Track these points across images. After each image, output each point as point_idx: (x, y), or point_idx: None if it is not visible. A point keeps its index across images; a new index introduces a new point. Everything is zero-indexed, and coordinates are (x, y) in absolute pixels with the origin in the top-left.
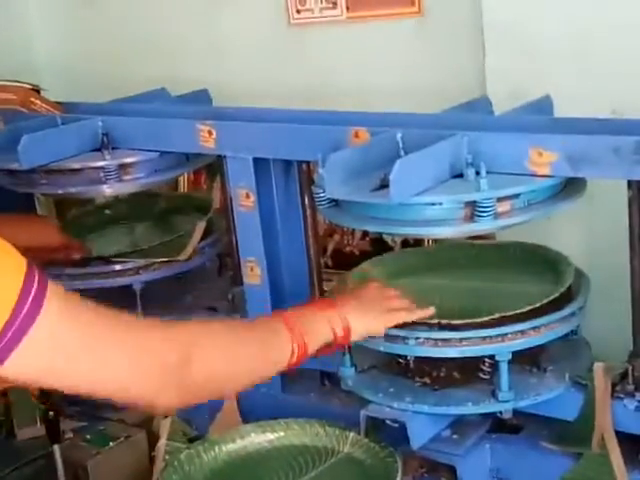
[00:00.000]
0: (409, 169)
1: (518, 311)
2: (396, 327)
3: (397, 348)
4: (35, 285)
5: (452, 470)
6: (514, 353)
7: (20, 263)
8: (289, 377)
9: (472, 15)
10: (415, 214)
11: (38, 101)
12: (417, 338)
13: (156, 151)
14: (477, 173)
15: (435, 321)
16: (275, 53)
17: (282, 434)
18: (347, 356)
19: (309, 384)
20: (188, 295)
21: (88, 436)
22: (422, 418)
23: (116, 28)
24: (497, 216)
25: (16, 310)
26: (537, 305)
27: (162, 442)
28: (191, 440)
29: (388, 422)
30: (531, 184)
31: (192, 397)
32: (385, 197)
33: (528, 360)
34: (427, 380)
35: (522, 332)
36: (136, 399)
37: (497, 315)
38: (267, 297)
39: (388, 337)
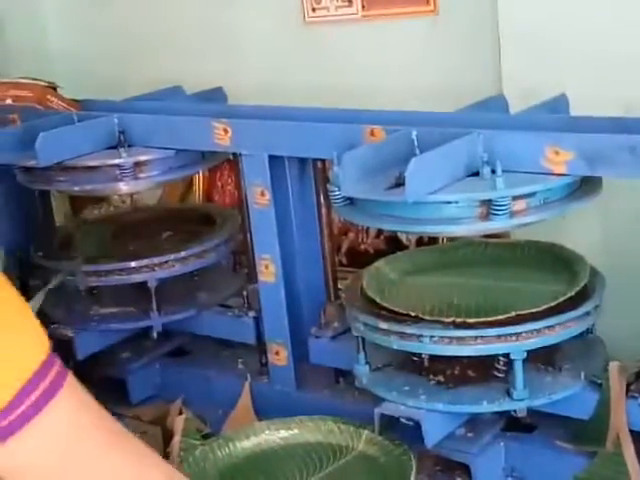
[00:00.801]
0: (424, 167)
1: (533, 310)
2: (411, 325)
3: (411, 346)
4: (56, 368)
5: (466, 468)
6: (529, 352)
7: (43, 345)
8: (303, 374)
9: (488, 14)
10: (430, 212)
11: (54, 98)
12: (432, 336)
13: (172, 149)
14: (493, 171)
15: (450, 319)
16: (290, 51)
17: (296, 431)
18: (361, 354)
19: (323, 381)
20: (203, 292)
21: None
22: (436, 416)
23: (132, 26)
24: (512, 215)
25: (22, 393)
26: (552, 304)
27: (177, 439)
28: (205, 437)
29: (402, 420)
30: (547, 183)
31: None
32: (400, 195)
33: (543, 359)
34: (441, 378)
35: (537, 331)
36: None
37: (512, 313)
38: (282, 295)
39: (402, 335)
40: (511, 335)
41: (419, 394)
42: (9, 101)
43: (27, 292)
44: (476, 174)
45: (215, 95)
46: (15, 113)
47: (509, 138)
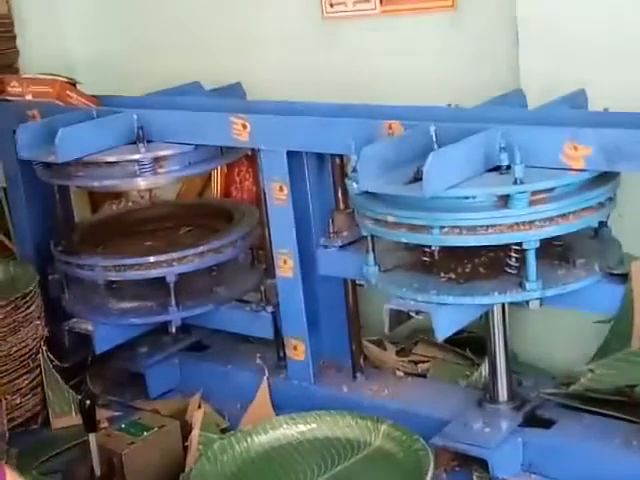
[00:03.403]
0: (443, 162)
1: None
2: (421, 216)
3: (420, 238)
4: None
5: (484, 464)
6: (543, 249)
7: None
8: (321, 369)
9: (506, 9)
10: (448, 207)
11: (74, 94)
12: (442, 227)
13: (190, 144)
14: (509, 167)
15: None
16: (308, 47)
17: (314, 426)
18: (371, 254)
19: (341, 377)
20: (221, 287)
21: (123, 425)
22: (447, 309)
23: (151, 22)
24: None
25: None
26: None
27: (195, 433)
28: (223, 431)
29: (412, 314)
30: (565, 178)
31: None
32: (418, 190)
33: (557, 256)
34: (452, 275)
35: (550, 219)
36: None
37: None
38: (299, 290)
39: (412, 227)
40: (524, 223)
41: (429, 289)
42: (29, 97)
43: (47, 286)
44: (494, 169)
45: (233, 91)
46: (35, 109)
47: (527, 133)
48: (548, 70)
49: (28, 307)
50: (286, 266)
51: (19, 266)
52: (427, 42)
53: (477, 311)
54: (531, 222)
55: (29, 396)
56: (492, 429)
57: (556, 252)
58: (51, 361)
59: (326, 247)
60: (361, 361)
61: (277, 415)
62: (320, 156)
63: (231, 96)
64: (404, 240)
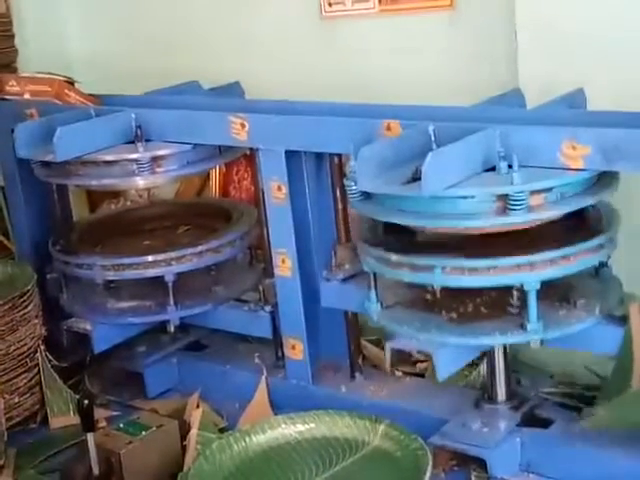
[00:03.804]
0: (441, 162)
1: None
2: (423, 256)
3: (424, 278)
4: None
5: (482, 463)
6: (544, 289)
7: None
8: (319, 369)
9: (504, 9)
10: (447, 207)
11: (72, 93)
12: (444, 267)
13: (189, 143)
14: (510, 166)
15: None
16: (307, 46)
17: (312, 425)
18: (373, 291)
19: (339, 377)
20: (219, 287)
21: (121, 425)
22: (448, 349)
23: (149, 21)
24: (530, 209)
25: None
26: (567, 236)
27: (194, 432)
28: (222, 430)
29: (414, 354)
30: (565, 177)
31: None
32: (417, 190)
33: (558, 296)
34: (454, 314)
35: (551, 261)
36: None
37: (526, 242)
38: (298, 289)
39: (414, 267)
40: (525, 265)
41: (431, 328)
42: (27, 95)
43: (45, 285)
44: (493, 169)
45: (232, 90)
46: (33, 107)
47: (526, 133)
48: (546, 70)
49: (26, 306)
50: (284, 265)
51: (17, 265)
52: (426, 42)
53: (478, 351)
54: (532, 264)
55: (27, 395)
56: (490, 429)
57: (557, 291)
58: (49, 360)
59: (328, 280)
60: (359, 361)
61: (275, 415)
62: (319, 155)
63: (230, 95)
64: (406, 279)
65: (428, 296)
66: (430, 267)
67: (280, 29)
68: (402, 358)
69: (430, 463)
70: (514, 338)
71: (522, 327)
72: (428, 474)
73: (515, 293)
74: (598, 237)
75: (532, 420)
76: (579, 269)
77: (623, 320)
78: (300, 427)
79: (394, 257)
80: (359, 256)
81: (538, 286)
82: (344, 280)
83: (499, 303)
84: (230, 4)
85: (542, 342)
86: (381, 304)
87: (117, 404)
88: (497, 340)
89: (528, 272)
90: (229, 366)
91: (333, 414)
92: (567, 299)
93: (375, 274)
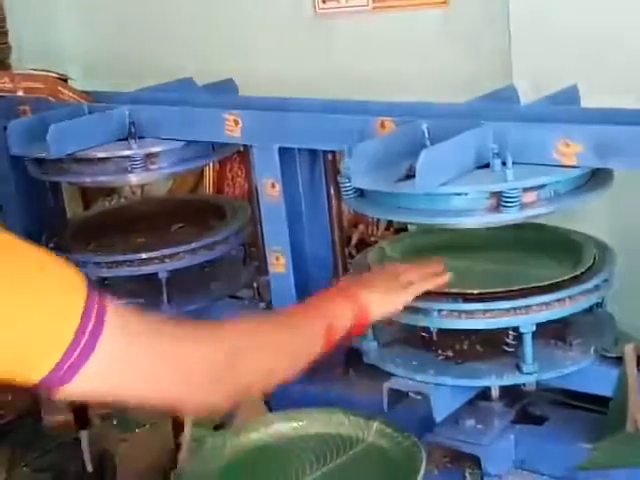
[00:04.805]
0: (435, 159)
1: (542, 283)
2: (419, 299)
3: (420, 320)
4: (96, 305)
5: (476, 460)
6: (539, 328)
7: (80, 282)
8: (313, 366)
9: (498, 5)
10: (440, 204)
11: (66, 90)
12: (440, 310)
13: (182, 140)
14: (503, 163)
15: (458, 292)
16: (301, 43)
17: (306, 423)
18: (369, 330)
19: (333, 373)
20: (213, 284)
21: (115, 422)
22: (445, 390)
23: (142, 18)
24: (523, 207)
25: (79, 330)
26: (562, 278)
27: (187, 429)
28: (216, 428)
29: (411, 394)
30: (557, 174)
31: (241, 395)
32: (411, 187)
33: (553, 334)
34: (450, 353)
35: (546, 304)
36: (187, 406)
37: (522, 286)
38: (292, 286)
39: (410, 309)
40: (521, 308)
41: (427, 369)
42: (20, 93)
43: None
44: (486, 166)
45: (226, 86)
46: (26, 104)
47: (519, 130)
48: (540, 66)
49: None
50: (278, 263)
51: None
52: (419, 38)
53: (473, 392)
54: (527, 307)
55: (20, 392)
56: (484, 426)
57: (552, 329)
58: None
59: None
60: (353, 357)
61: (269, 412)
62: (312, 152)
63: (223, 92)
64: (404, 321)
65: (424, 333)
66: (427, 310)
67: (274, 26)
68: (399, 398)
69: (424, 460)
70: (510, 380)
71: (518, 368)
72: (422, 471)
73: (511, 331)
74: (595, 279)
75: (526, 417)
76: (574, 311)
77: (618, 361)
78: (294, 424)
79: None
80: None
81: (534, 328)
82: None
83: (495, 341)
84: (224, 1)
85: (537, 383)
86: (378, 341)
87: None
88: (493, 382)
89: (523, 315)
90: None
91: (326, 411)
92: (562, 338)
93: None
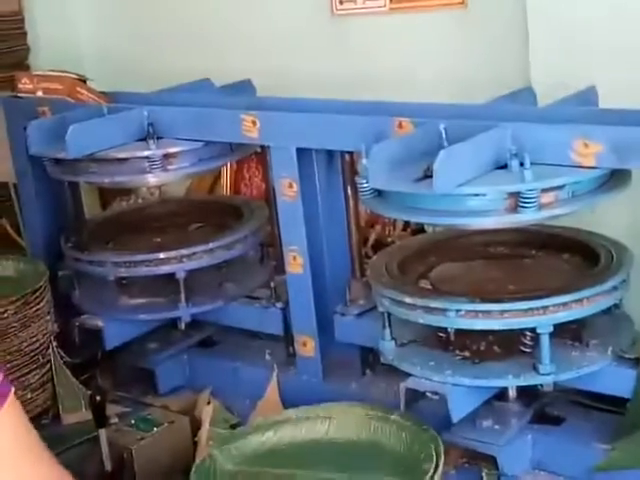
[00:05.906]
0: (453, 159)
1: (560, 284)
2: (437, 299)
3: (437, 320)
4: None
5: (493, 460)
6: (556, 328)
7: None
8: (330, 365)
9: (516, 6)
10: (458, 205)
11: (84, 91)
12: (458, 310)
13: (200, 141)
14: (521, 164)
15: (476, 292)
16: (318, 44)
17: (324, 417)
18: (387, 330)
19: (350, 372)
20: (231, 284)
21: (133, 421)
22: (462, 391)
23: (161, 19)
24: (541, 207)
25: None
26: (579, 279)
27: (205, 428)
28: (233, 427)
29: (428, 394)
30: (576, 175)
31: None
32: (429, 187)
33: (570, 335)
34: (467, 354)
35: (564, 304)
36: None
37: (539, 287)
38: (309, 286)
39: (428, 310)
40: (538, 309)
41: (444, 369)
42: (40, 93)
43: (57, 282)
44: (504, 167)
45: (243, 87)
46: (45, 105)
47: (537, 130)
48: (559, 67)
49: (38, 303)
50: (296, 263)
51: (29, 262)
52: (437, 39)
53: (490, 392)
54: (545, 307)
55: (39, 391)
56: (501, 426)
57: (570, 330)
58: (61, 357)
59: (343, 315)
60: (370, 357)
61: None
62: (330, 152)
63: (241, 93)
64: (420, 321)
65: (442, 333)
66: (444, 310)
67: (291, 27)
68: (417, 398)
69: (442, 454)
70: (527, 381)
71: (535, 368)
72: (441, 463)
73: (528, 332)
74: (612, 279)
75: (543, 417)
76: (592, 312)
77: (635, 362)
78: (312, 422)
79: (408, 299)
80: (373, 296)
81: (551, 329)
82: (359, 315)
83: (512, 341)
84: (241, 3)
85: (554, 384)
86: (395, 341)
87: (128, 400)
88: (510, 382)
89: (541, 315)
90: (240, 363)
91: (345, 405)
92: (579, 338)
93: (389, 314)
